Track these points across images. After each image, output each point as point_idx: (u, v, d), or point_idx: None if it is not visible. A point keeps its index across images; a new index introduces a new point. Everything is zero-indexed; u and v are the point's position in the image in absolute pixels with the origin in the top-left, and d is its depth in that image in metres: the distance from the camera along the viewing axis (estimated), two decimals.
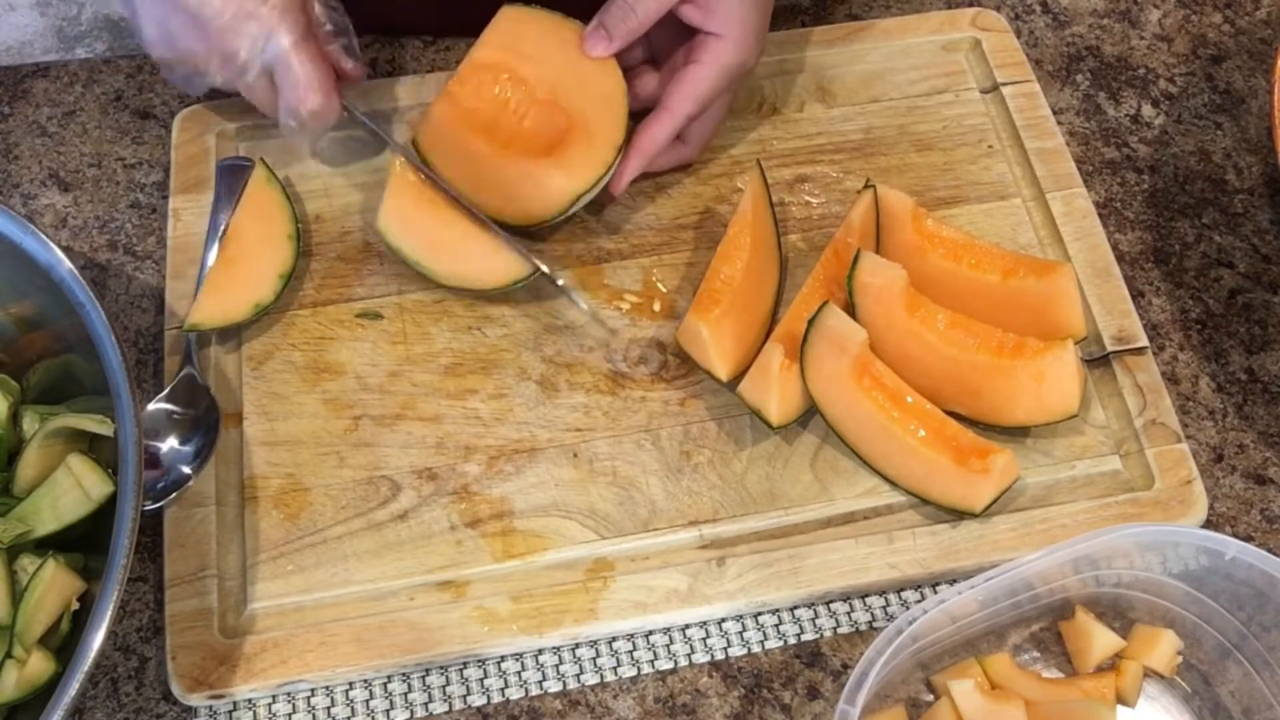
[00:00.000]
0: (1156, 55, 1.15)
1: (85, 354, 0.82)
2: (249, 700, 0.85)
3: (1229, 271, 1.02)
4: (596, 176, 0.96)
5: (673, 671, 0.86)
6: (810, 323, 0.89)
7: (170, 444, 0.90)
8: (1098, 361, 0.95)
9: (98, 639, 0.72)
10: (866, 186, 0.97)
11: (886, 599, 0.89)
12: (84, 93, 1.11)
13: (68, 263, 0.83)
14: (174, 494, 0.88)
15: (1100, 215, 1.03)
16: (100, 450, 0.85)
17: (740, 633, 0.87)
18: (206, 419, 0.92)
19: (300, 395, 0.94)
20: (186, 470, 0.89)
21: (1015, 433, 0.92)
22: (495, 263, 0.95)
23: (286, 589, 0.87)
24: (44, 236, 0.84)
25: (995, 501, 0.88)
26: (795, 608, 0.88)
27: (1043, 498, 0.90)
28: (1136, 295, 1.00)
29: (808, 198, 1.04)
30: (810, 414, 0.92)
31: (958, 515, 0.89)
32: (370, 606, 0.86)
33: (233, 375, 0.95)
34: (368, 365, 0.95)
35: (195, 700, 0.83)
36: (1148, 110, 1.11)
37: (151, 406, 0.92)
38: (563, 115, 0.97)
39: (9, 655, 0.79)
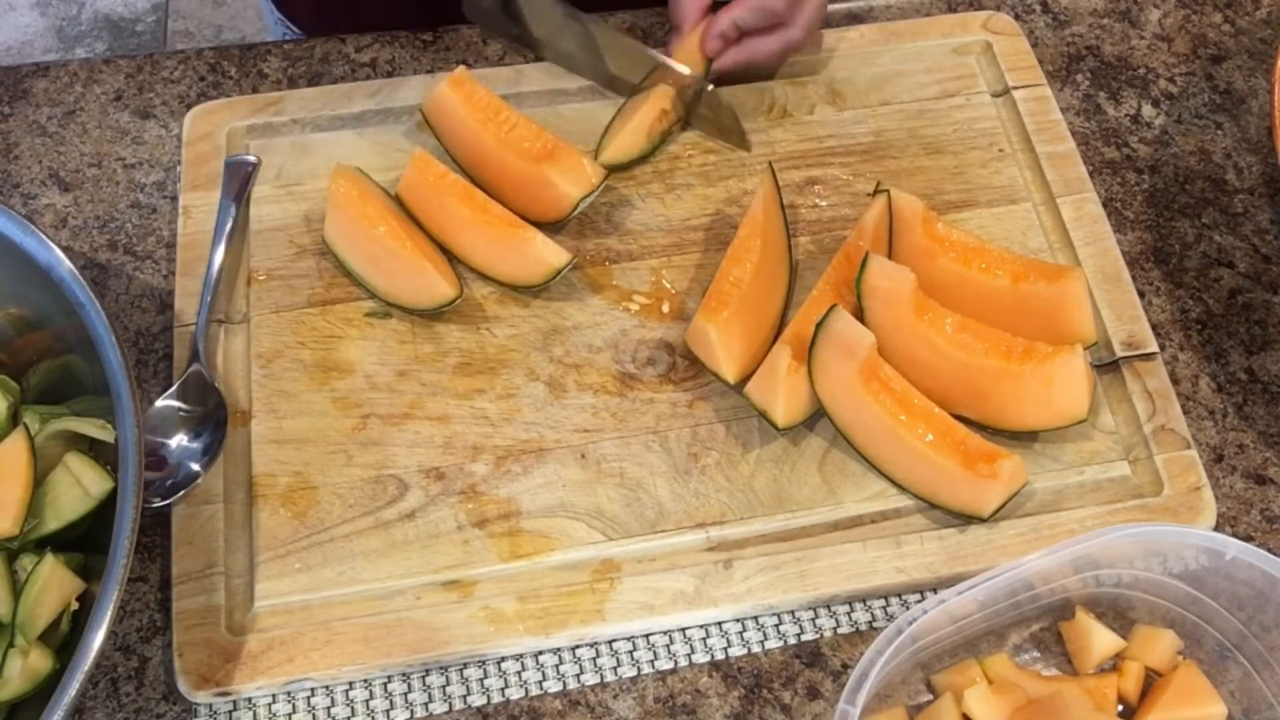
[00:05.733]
0: (1156, 55, 1.15)
1: (85, 354, 0.82)
2: (249, 700, 0.85)
3: (1229, 271, 1.03)
4: (596, 181, 0.98)
5: (673, 671, 0.86)
6: (818, 327, 0.89)
7: (179, 441, 0.91)
8: (1107, 367, 0.96)
9: (98, 639, 0.72)
10: (878, 190, 0.97)
11: (887, 599, 0.89)
12: (84, 93, 1.10)
13: (68, 263, 0.83)
14: (183, 491, 0.88)
15: None
16: (102, 451, 0.85)
17: (740, 633, 0.87)
18: (215, 416, 0.92)
19: (309, 394, 0.94)
20: (195, 467, 0.89)
21: (1024, 437, 0.92)
22: (423, 283, 0.96)
23: (293, 587, 0.87)
24: (44, 236, 0.84)
25: (1003, 506, 0.88)
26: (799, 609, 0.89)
27: (1051, 503, 0.90)
28: (1136, 295, 1.00)
29: (818, 200, 1.04)
30: (818, 417, 0.92)
31: (965, 520, 0.89)
32: (377, 605, 0.86)
33: (241, 373, 0.95)
34: (376, 364, 0.95)
35: (201, 697, 0.83)
36: (1148, 110, 1.12)
37: (160, 403, 0.92)
38: (548, 134, 1.01)
39: (11, 645, 0.79)
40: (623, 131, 1.03)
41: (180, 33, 2.31)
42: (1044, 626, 0.88)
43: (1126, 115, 1.11)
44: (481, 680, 0.86)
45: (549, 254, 0.96)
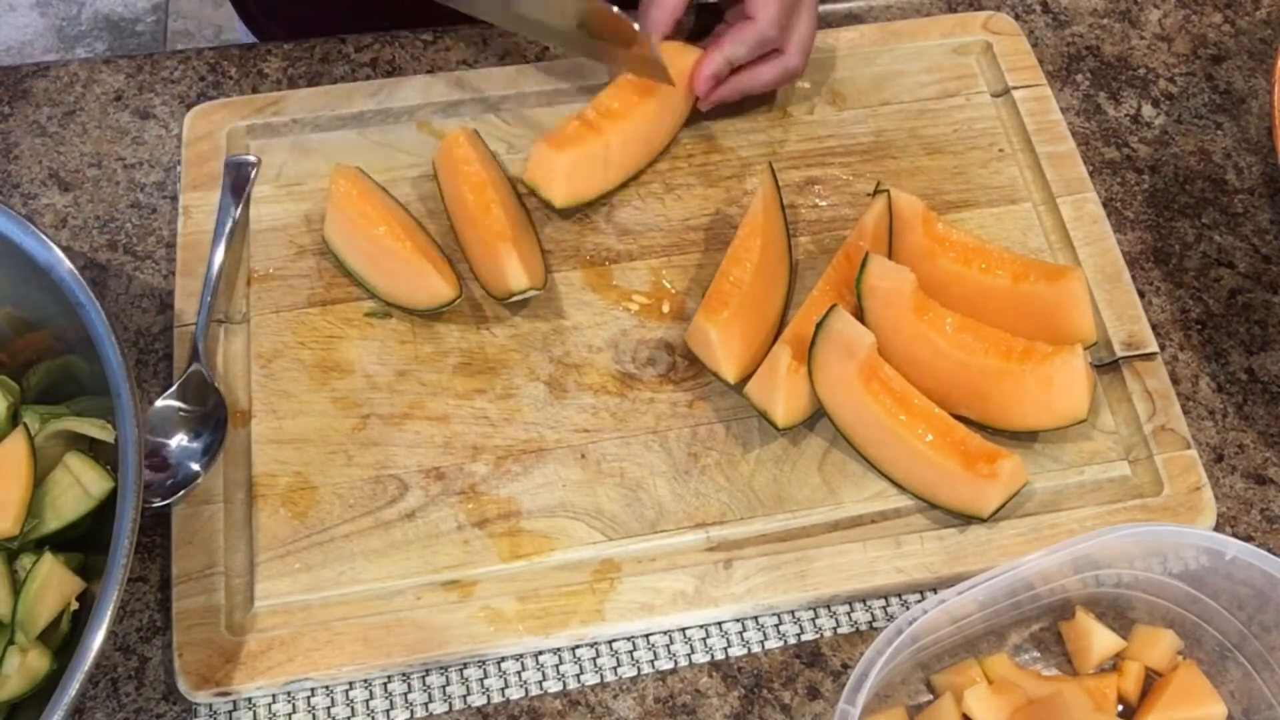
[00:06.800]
0: (1156, 55, 1.15)
1: (85, 354, 0.82)
2: (249, 700, 0.85)
3: (1229, 271, 1.03)
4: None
5: (673, 671, 0.86)
6: (818, 327, 0.89)
7: (179, 441, 0.91)
8: (1107, 367, 0.96)
9: (98, 639, 0.72)
10: (878, 190, 0.97)
11: (887, 599, 0.89)
12: (84, 93, 1.10)
13: (68, 263, 0.83)
14: (183, 491, 0.88)
15: None
16: (102, 451, 0.85)
17: (740, 633, 0.87)
18: (215, 416, 0.92)
19: (309, 394, 0.94)
20: (195, 467, 0.89)
21: (1023, 437, 0.92)
22: (423, 284, 0.96)
23: (293, 587, 0.87)
24: (44, 236, 0.84)
25: (1003, 506, 0.88)
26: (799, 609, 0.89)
27: (1051, 503, 0.90)
28: (1136, 295, 1.00)
29: (817, 200, 1.04)
30: (818, 417, 0.92)
31: (965, 520, 0.89)
32: (377, 606, 0.86)
33: (241, 373, 0.95)
34: (376, 364, 0.95)
35: (201, 698, 0.83)
36: (1148, 110, 1.12)
37: (160, 403, 0.92)
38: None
39: (11, 642, 0.79)
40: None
41: (180, 33, 2.31)
42: (1044, 626, 0.88)
43: (1126, 115, 1.11)
44: (481, 680, 0.86)
45: (511, 275, 0.94)
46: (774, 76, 1.03)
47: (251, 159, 1.03)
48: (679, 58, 1.02)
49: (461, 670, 0.86)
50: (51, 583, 0.80)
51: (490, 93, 1.07)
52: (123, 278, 1.01)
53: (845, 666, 0.87)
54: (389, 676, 0.86)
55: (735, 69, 1.02)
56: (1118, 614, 0.87)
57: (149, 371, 0.96)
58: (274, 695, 0.85)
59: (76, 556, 0.83)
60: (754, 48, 1.00)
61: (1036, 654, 0.87)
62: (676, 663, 0.86)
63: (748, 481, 0.91)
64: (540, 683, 0.86)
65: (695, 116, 1.07)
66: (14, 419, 0.85)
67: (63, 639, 0.82)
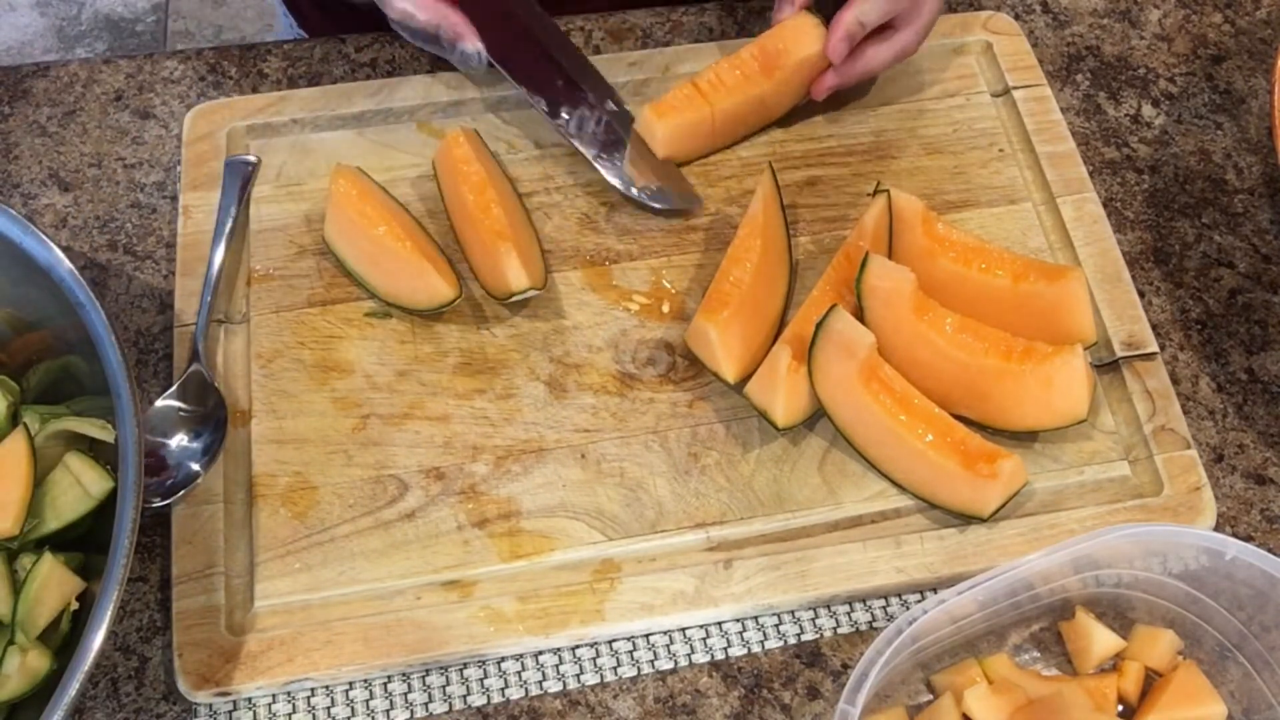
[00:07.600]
0: (1156, 55, 1.15)
1: (85, 354, 0.82)
2: (249, 700, 0.85)
3: (1229, 271, 1.03)
4: None
5: (673, 671, 0.86)
6: (818, 326, 0.89)
7: (179, 441, 0.91)
8: (1107, 367, 0.96)
9: (98, 639, 0.72)
10: (878, 190, 0.97)
11: (887, 599, 0.89)
12: (84, 93, 1.10)
13: (68, 263, 0.83)
14: (183, 491, 0.88)
15: None
16: (102, 451, 0.85)
17: (740, 633, 0.87)
18: (215, 416, 0.92)
19: (309, 394, 0.94)
20: (195, 467, 0.89)
21: (1023, 437, 0.92)
22: (422, 284, 0.96)
23: (293, 587, 0.87)
24: (44, 236, 0.84)
25: (1003, 506, 0.88)
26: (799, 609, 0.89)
27: (1051, 503, 0.90)
28: (1136, 295, 1.00)
29: (818, 200, 1.04)
30: (818, 417, 0.92)
31: (965, 520, 0.89)
32: (377, 606, 0.86)
33: (241, 373, 0.95)
34: (376, 364, 0.95)
35: (201, 698, 0.83)
36: (1148, 110, 1.12)
37: (160, 403, 0.92)
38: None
39: (11, 642, 0.79)
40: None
41: (180, 33, 2.31)
42: (1044, 626, 0.88)
43: (1126, 115, 1.11)
44: (481, 680, 0.86)
45: (511, 275, 0.94)
46: (890, 56, 1.03)
47: (251, 159, 1.03)
48: (806, 43, 1.02)
49: (461, 670, 0.86)
50: (51, 583, 0.80)
51: (490, 93, 1.07)
52: (123, 278, 1.01)
53: (845, 666, 0.87)
54: (389, 676, 0.86)
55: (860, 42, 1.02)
56: (1118, 614, 0.87)
57: (149, 371, 0.96)
58: (274, 695, 0.85)
59: (76, 556, 0.83)
60: (884, 12, 1.00)
61: (1036, 654, 0.87)
62: (676, 663, 0.87)
63: (748, 481, 0.91)
64: (540, 683, 0.86)
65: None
66: (14, 419, 0.85)
67: (63, 639, 0.82)
